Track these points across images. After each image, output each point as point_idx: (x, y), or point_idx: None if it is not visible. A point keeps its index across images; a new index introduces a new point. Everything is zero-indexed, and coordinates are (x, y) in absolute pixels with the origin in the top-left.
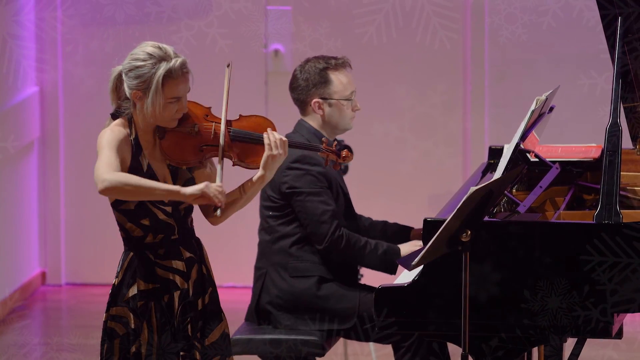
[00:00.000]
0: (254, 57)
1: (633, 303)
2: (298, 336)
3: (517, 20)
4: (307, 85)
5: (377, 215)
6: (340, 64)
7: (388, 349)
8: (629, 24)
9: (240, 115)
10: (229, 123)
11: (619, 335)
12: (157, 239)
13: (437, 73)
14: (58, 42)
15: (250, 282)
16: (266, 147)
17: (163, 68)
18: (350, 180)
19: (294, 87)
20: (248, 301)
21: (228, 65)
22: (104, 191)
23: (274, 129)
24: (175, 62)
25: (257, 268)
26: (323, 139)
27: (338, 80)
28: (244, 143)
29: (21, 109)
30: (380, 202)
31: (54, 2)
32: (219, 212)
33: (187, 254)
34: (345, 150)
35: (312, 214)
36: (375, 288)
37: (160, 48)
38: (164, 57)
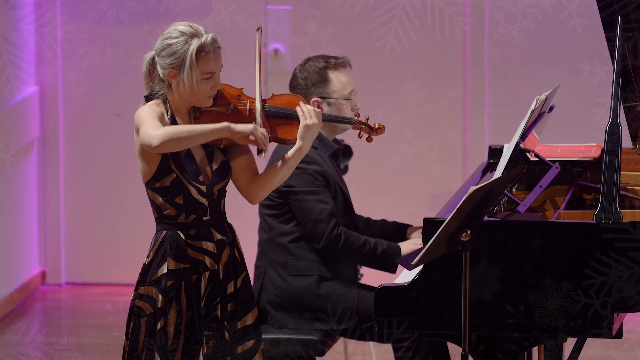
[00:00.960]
0: (254, 57)
1: (634, 303)
2: (297, 336)
3: (517, 20)
4: (307, 84)
5: (376, 215)
6: (340, 63)
7: (388, 348)
8: (628, 23)
9: (273, 94)
10: (262, 101)
11: (619, 334)
12: (189, 219)
13: (438, 73)
14: (58, 41)
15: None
16: (300, 118)
17: (195, 43)
18: (350, 180)
19: (293, 85)
20: None
21: (258, 29)
22: (160, 146)
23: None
24: (206, 37)
25: (257, 267)
26: (355, 113)
27: (337, 79)
28: (278, 119)
29: (21, 108)
30: (380, 201)
31: (55, 1)
32: (263, 154)
33: (219, 236)
34: (378, 122)
35: (309, 213)
36: (375, 287)
37: (190, 26)
38: (195, 34)
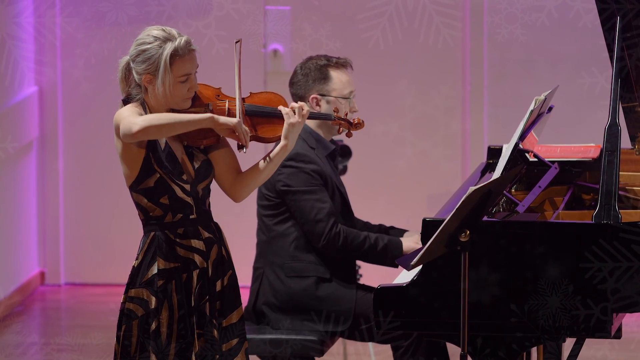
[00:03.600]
0: (253, 57)
1: (633, 303)
2: (297, 336)
3: (516, 20)
4: (307, 80)
5: (376, 215)
6: (342, 63)
7: (387, 348)
8: (627, 23)
9: (251, 93)
10: (241, 100)
11: (618, 335)
12: (176, 219)
13: (437, 73)
14: (57, 41)
15: (247, 282)
16: (285, 116)
17: (169, 48)
18: (349, 180)
19: (293, 82)
20: (245, 301)
21: (237, 42)
22: (140, 132)
23: (285, 104)
24: (180, 40)
25: (255, 268)
26: (334, 108)
27: (338, 78)
28: (258, 117)
29: (20, 109)
30: (380, 202)
31: (54, 2)
32: (244, 150)
33: (206, 234)
34: (357, 117)
35: (307, 213)
36: (374, 288)
37: (163, 30)
38: (168, 38)
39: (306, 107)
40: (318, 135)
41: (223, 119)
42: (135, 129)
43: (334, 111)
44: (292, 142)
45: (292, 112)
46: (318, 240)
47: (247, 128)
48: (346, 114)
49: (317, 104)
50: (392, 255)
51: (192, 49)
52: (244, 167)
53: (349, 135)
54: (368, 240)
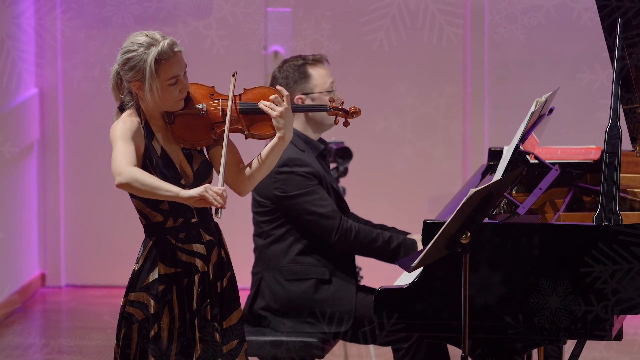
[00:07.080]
0: (254, 59)
1: (633, 305)
2: (298, 338)
3: (517, 21)
4: (287, 83)
5: (377, 217)
6: (318, 59)
7: (388, 350)
8: (627, 22)
9: (245, 89)
10: (234, 98)
11: (619, 337)
12: (177, 223)
13: (438, 74)
14: (58, 43)
15: (247, 283)
16: (268, 112)
17: (153, 53)
18: (350, 182)
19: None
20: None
21: (233, 75)
22: (120, 185)
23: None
24: (163, 44)
25: (254, 273)
26: (329, 98)
27: (317, 73)
28: (253, 115)
29: (21, 110)
30: (380, 203)
31: (54, 3)
32: (220, 213)
33: (207, 237)
34: (353, 106)
35: (313, 213)
36: (375, 289)
37: (146, 35)
38: (152, 43)
39: (284, 92)
40: (306, 137)
41: (187, 194)
42: (117, 181)
43: (330, 101)
44: (288, 131)
45: (272, 105)
46: (330, 237)
47: (218, 189)
48: (342, 103)
49: (303, 103)
50: (405, 254)
51: (177, 50)
52: (246, 161)
53: (346, 124)
54: (382, 237)
